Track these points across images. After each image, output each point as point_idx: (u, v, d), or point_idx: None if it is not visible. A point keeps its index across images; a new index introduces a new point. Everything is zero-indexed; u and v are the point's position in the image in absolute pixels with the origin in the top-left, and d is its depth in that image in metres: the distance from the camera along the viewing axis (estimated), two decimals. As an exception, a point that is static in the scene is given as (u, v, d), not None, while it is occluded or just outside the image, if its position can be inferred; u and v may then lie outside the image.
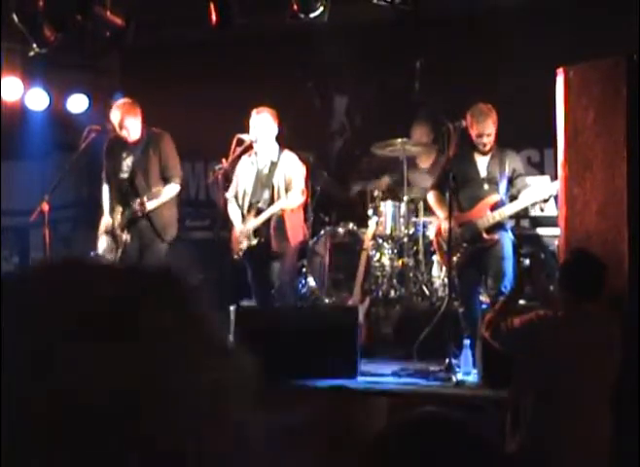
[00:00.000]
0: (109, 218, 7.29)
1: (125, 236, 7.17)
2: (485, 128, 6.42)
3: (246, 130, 6.88)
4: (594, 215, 4.80)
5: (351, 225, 7.68)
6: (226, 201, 7.08)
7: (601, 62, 4.85)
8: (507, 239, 6.53)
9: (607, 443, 4.18)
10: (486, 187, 6.54)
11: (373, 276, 7.42)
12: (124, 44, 7.39)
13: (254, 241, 7.00)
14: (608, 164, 4.75)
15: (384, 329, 7.08)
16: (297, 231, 7.09)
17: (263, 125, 6.95)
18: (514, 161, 6.62)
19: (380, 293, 7.33)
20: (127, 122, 7.15)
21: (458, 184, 6.36)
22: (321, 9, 6.56)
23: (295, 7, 6.58)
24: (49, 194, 7.26)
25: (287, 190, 6.97)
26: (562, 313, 4.29)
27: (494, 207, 6.47)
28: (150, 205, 7.04)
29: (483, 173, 6.56)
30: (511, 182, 6.57)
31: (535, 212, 6.99)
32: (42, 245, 7.14)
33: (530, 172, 7.52)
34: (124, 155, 7.27)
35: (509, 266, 6.39)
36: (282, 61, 8.73)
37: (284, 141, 7.21)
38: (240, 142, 6.77)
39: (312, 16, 6.60)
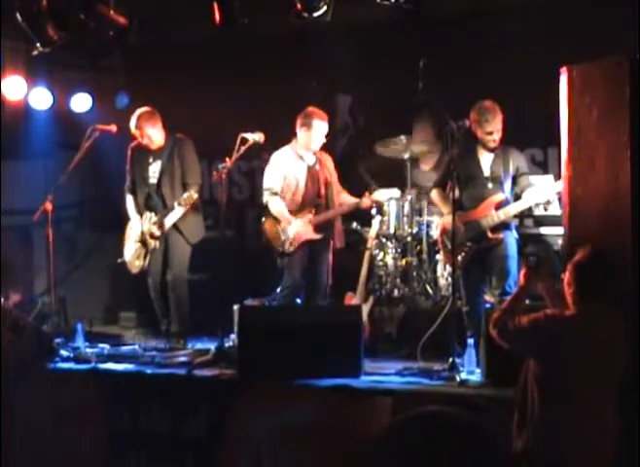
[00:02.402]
0: (138, 225, 7.30)
1: (155, 243, 7.21)
2: (495, 125, 6.43)
3: (248, 129, 6.85)
4: (598, 214, 4.80)
5: (355, 224, 7.67)
6: (227, 201, 7.05)
7: (604, 62, 4.86)
8: (511, 238, 6.52)
9: (614, 443, 4.18)
10: (490, 186, 6.53)
11: (376, 276, 7.41)
12: (127, 43, 7.39)
13: (317, 236, 7.15)
14: (611, 163, 4.76)
15: (388, 328, 7.07)
16: (341, 229, 7.34)
17: (325, 130, 7.14)
18: (517, 160, 6.62)
19: (384, 292, 7.32)
20: (148, 131, 7.21)
21: (462, 183, 6.35)
22: (324, 8, 6.56)
23: (298, 6, 6.57)
24: (52, 193, 7.27)
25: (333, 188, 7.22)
26: (569, 312, 4.29)
27: (499, 206, 6.47)
28: (168, 222, 7.18)
29: (487, 172, 6.55)
30: (514, 181, 6.57)
31: (539, 211, 6.97)
32: (45, 245, 7.15)
33: (534, 171, 7.51)
34: (151, 160, 7.34)
35: (513, 265, 6.39)
36: (284, 61, 8.71)
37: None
38: (244, 141, 6.76)
39: (316, 15, 6.60)
